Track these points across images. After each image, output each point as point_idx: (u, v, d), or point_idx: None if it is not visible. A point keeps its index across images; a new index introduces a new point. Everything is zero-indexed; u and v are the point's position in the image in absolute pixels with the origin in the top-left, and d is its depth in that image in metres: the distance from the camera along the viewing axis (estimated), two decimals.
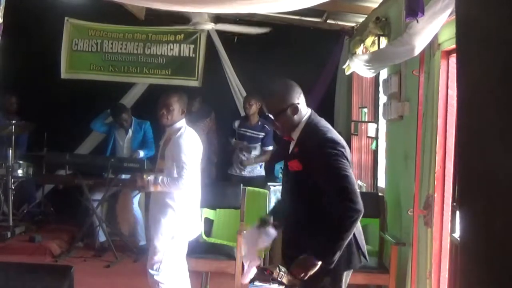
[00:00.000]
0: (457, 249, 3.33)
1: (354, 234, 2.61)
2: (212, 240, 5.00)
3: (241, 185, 4.85)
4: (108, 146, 6.32)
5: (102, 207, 6.02)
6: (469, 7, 1.27)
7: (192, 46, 7.08)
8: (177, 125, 3.85)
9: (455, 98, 3.25)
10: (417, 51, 3.61)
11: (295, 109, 2.68)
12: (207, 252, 4.36)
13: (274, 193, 5.52)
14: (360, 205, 2.48)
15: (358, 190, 2.56)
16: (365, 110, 6.22)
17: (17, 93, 6.72)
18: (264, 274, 4.03)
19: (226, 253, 4.34)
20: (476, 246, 1.22)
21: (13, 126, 6.08)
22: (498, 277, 1.12)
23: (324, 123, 2.73)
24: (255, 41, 6.90)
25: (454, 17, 2.97)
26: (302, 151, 2.65)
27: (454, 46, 3.26)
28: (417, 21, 3.32)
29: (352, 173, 2.58)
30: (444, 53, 3.64)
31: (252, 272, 3.06)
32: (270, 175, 6.24)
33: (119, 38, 7.11)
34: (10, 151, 5.96)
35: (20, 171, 6.20)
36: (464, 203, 1.33)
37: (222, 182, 6.06)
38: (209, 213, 5.18)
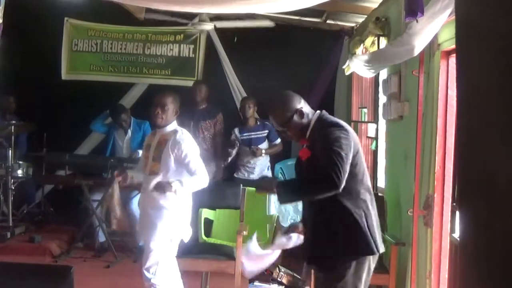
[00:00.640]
0: (457, 249, 3.33)
1: (367, 222, 2.72)
2: (212, 240, 5.00)
3: (241, 185, 4.85)
4: (108, 147, 6.32)
5: (101, 207, 6.01)
6: (469, 7, 1.27)
7: (191, 46, 7.08)
8: (171, 126, 3.84)
9: (455, 98, 3.24)
10: (416, 51, 3.61)
11: (301, 113, 2.82)
12: (207, 252, 4.36)
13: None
14: (341, 182, 2.58)
15: (347, 170, 2.63)
16: (365, 110, 6.22)
17: (17, 93, 6.72)
18: (264, 274, 4.04)
19: (226, 253, 4.34)
20: (475, 246, 1.22)
21: (13, 126, 6.08)
22: (497, 277, 1.12)
23: (332, 118, 2.89)
24: (255, 41, 6.90)
25: (453, 17, 2.98)
26: (312, 140, 2.80)
27: (454, 46, 3.26)
28: (417, 21, 3.32)
29: (348, 153, 2.64)
30: (444, 53, 3.64)
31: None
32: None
33: (119, 38, 7.12)
34: (10, 151, 5.95)
35: (19, 171, 6.19)
36: (463, 203, 1.33)
37: (222, 183, 6.05)
38: (209, 213, 5.18)
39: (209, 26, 7.00)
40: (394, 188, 4.65)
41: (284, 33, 6.88)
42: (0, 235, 5.75)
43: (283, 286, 3.96)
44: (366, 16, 5.85)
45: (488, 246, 1.16)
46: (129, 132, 6.23)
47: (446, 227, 3.62)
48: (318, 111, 2.89)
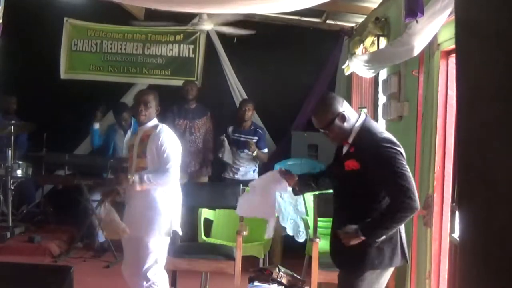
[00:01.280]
0: (457, 249, 3.33)
1: (400, 234, 2.79)
2: (211, 240, 5.00)
3: (241, 185, 4.85)
4: (109, 148, 6.32)
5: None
6: (469, 7, 1.27)
7: (191, 47, 7.09)
8: (152, 122, 3.85)
9: (455, 98, 3.25)
10: (416, 52, 3.61)
11: (343, 117, 2.85)
12: (207, 252, 4.35)
13: None
14: (417, 203, 2.67)
15: (415, 186, 2.71)
16: (365, 110, 6.22)
17: (17, 93, 6.72)
18: (263, 274, 4.04)
19: (225, 253, 4.34)
20: (475, 246, 1.22)
21: (13, 126, 6.08)
22: (497, 277, 1.12)
23: (376, 125, 2.91)
24: (254, 41, 6.90)
25: (453, 17, 2.97)
26: (358, 150, 2.79)
27: (453, 46, 3.25)
28: (417, 22, 3.32)
29: (409, 171, 2.71)
30: (444, 53, 3.64)
31: (272, 226, 3.28)
32: None
33: (119, 38, 7.12)
34: (10, 151, 5.95)
35: (19, 171, 6.19)
36: (463, 203, 1.33)
37: (222, 183, 6.06)
38: (209, 213, 5.18)
39: (209, 26, 7.00)
40: None
41: (284, 33, 6.88)
42: (0, 235, 5.75)
43: (283, 286, 3.95)
44: (365, 16, 5.86)
45: (488, 246, 1.16)
46: (129, 132, 6.24)
47: (446, 227, 3.62)
48: (363, 115, 2.91)
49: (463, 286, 1.39)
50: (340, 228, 2.86)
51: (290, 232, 5.50)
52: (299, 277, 4.13)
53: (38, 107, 6.75)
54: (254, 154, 5.96)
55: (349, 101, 6.73)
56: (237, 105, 6.91)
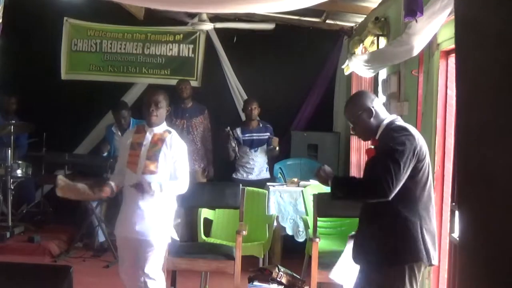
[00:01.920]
0: (456, 249, 3.33)
1: (422, 231, 2.70)
2: (211, 240, 5.00)
3: (240, 185, 4.85)
4: (110, 148, 6.31)
5: (101, 207, 6.02)
6: (468, 7, 1.27)
7: (191, 46, 7.09)
8: (164, 125, 3.80)
9: (454, 98, 3.25)
10: (416, 51, 3.62)
11: (370, 112, 2.86)
12: (206, 252, 4.35)
13: (273, 193, 5.52)
14: (391, 192, 2.61)
15: (401, 180, 2.64)
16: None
17: (16, 93, 6.72)
18: (263, 274, 4.04)
19: (225, 253, 4.33)
20: (475, 246, 1.22)
21: (13, 126, 6.08)
22: (496, 277, 1.12)
23: (405, 124, 2.85)
24: (254, 41, 6.91)
25: (453, 17, 2.97)
26: (380, 142, 2.83)
27: (453, 46, 3.26)
28: (416, 21, 3.33)
29: (407, 165, 2.64)
30: (443, 53, 3.64)
31: None
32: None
33: (118, 38, 7.12)
34: (9, 151, 5.95)
35: (19, 171, 6.19)
36: (463, 203, 1.33)
37: (221, 182, 6.05)
38: (208, 213, 5.18)
39: (208, 26, 7.00)
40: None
41: (284, 32, 6.88)
42: (0, 235, 5.75)
43: (283, 286, 3.95)
44: (365, 16, 5.86)
45: (487, 246, 1.16)
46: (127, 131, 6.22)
47: (446, 227, 3.62)
48: (394, 115, 2.92)
49: (463, 286, 1.39)
50: (364, 227, 2.89)
51: (289, 232, 5.50)
52: (298, 277, 4.13)
53: (38, 107, 6.75)
54: (277, 148, 5.97)
55: None
56: (237, 105, 6.92)
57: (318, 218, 4.53)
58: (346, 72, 5.67)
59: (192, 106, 6.23)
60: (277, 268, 4.01)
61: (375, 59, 4.48)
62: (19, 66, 6.52)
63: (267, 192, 5.39)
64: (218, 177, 6.36)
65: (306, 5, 4.60)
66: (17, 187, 6.15)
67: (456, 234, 3.41)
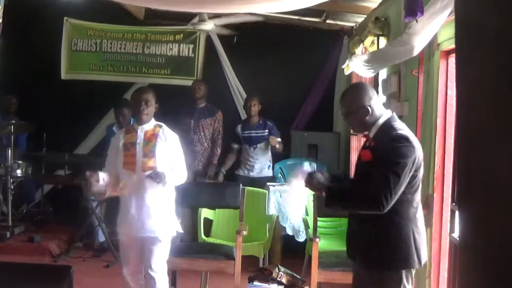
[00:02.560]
0: (457, 249, 3.33)
1: (413, 235, 2.71)
2: (211, 240, 5.00)
3: (241, 185, 4.85)
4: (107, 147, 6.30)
5: (101, 207, 6.02)
6: (469, 7, 1.27)
7: (191, 46, 7.09)
8: (153, 121, 3.81)
9: (455, 98, 3.25)
10: (416, 51, 3.61)
11: (367, 111, 2.78)
12: (206, 252, 4.35)
13: (274, 193, 5.52)
14: (386, 208, 2.58)
15: (398, 194, 2.62)
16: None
17: (16, 93, 6.71)
18: (263, 273, 4.04)
19: (225, 253, 4.34)
20: (475, 246, 1.22)
21: (13, 126, 6.08)
22: (497, 277, 1.12)
23: (400, 124, 2.83)
24: (254, 41, 6.91)
25: (453, 17, 2.97)
26: (376, 144, 2.75)
27: (453, 46, 3.25)
28: (416, 21, 3.32)
29: (406, 178, 2.62)
30: (444, 53, 3.64)
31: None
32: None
33: (119, 38, 7.12)
34: (10, 151, 5.95)
35: (19, 171, 6.19)
36: (463, 203, 1.33)
37: (221, 182, 6.05)
38: (209, 213, 5.18)
39: (208, 26, 7.00)
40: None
41: (284, 32, 6.88)
42: (0, 235, 5.75)
43: (283, 286, 3.95)
44: (365, 16, 5.86)
45: (487, 246, 1.16)
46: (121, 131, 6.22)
47: (446, 227, 3.62)
48: (389, 112, 2.85)
49: (463, 286, 1.39)
50: (356, 227, 2.85)
51: (290, 231, 5.50)
52: (299, 276, 4.13)
53: (38, 107, 6.75)
54: (278, 146, 5.95)
55: None
56: (237, 105, 6.92)
57: (318, 218, 4.53)
58: (346, 72, 5.67)
59: (204, 107, 6.19)
60: (277, 268, 4.01)
61: (375, 59, 4.48)
62: (19, 66, 6.52)
63: (267, 192, 5.39)
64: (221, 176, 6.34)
65: (306, 5, 4.60)
66: (17, 187, 6.15)
67: (456, 234, 3.41)
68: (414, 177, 2.70)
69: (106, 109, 6.83)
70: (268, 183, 5.77)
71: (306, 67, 6.90)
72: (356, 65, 4.93)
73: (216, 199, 4.83)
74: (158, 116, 3.92)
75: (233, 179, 6.09)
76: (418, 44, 3.54)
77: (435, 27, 3.35)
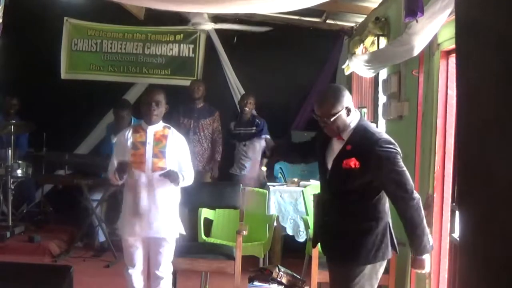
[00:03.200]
0: (457, 249, 3.33)
1: (389, 226, 2.89)
2: (211, 240, 5.00)
3: (241, 185, 4.85)
4: (109, 147, 6.29)
5: (101, 207, 6.02)
6: (469, 7, 1.27)
7: (191, 46, 7.09)
8: (162, 122, 3.82)
9: (455, 98, 3.25)
10: (416, 51, 3.61)
11: (349, 111, 2.83)
12: (207, 252, 4.35)
13: (274, 193, 5.52)
14: (416, 193, 2.77)
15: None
16: (365, 110, 6.22)
17: (17, 93, 6.71)
18: (263, 273, 4.04)
19: (225, 253, 4.33)
20: (475, 246, 1.22)
21: (13, 126, 6.08)
22: (497, 277, 1.12)
23: (371, 125, 2.94)
24: (254, 41, 6.91)
25: (453, 17, 2.97)
26: (357, 149, 2.80)
27: (453, 46, 3.25)
28: (417, 21, 3.32)
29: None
30: (444, 53, 3.64)
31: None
32: (269, 176, 6.24)
33: (119, 38, 7.12)
34: (10, 151, 5.95)
35: (19, 171, 6.19)
36: (463, 203, 1.33)
37: (221, 182, 6.06)
38: (209, 213, 5.18)
39: (209, 26, 7.00)
40: None
41: (284, 32, 6.88)
42: (0, 235, 5.75)
43: (283, 286, 3.95)
44: (365, 16, 5.86)
45: (488, 246, 1.16)
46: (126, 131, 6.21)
47: (446, 227, 3.62)
48: (358, 113, 2.89)
49: (463, 286, 1.39)
50: (330, 219, 2.93)
51: (290, 231, 5.51)
52: (299, 276, 4.13)
53: (38, 106, 6.75)
54: (264, 169, 5.98)
55: None
56: (237, 105, 6.92)
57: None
58: (347, 72, 5.67)
59: (203, 107, 6.22)
60: (277, 268, 4.01)
61: (375, 59, 4.48)
62: (19, 66, 6.52)
63: (267, 192, 5.39)
64: (220, 174, 6.35)
65: (306, 5, 4.60)
66: (17, 187, 6.15)
67: (456, 234, 3.41)
68: None
69: (106, 109, 6.83)
70: (268, 183, 5.78)
71: (306, 67, 6.90)
72: (356, 65, 4.94)
73: (216, 199, 4.83)
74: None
75: (228, 178, 6.13)
76: (418, 44, 3.54)
77: (435, 27, 3.35)
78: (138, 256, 3.80)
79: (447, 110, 3.65)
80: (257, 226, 5.17)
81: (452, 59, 3.60)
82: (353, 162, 2.77)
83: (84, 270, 5.03)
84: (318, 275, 4.05)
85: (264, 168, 6.03)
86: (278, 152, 3.40)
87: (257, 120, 6.10)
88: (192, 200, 4.68)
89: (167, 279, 3.81)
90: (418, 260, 2.80)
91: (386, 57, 4.20)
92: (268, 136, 6.11)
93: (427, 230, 2.79)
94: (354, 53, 5.36)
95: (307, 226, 4.88)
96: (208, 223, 5.19)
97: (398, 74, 4.46)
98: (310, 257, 4.26)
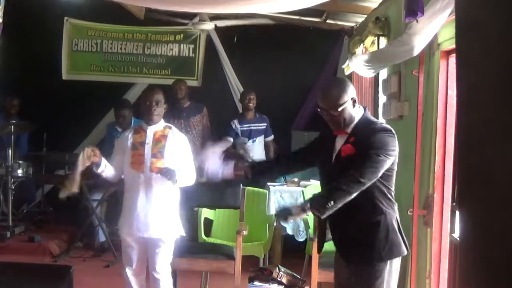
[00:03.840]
0: (457, 249, 3.33)
1: (398, 223, 2.82)
2: (211, 240, 5.00)
3: (241, 185, 4.85)
4: (111, 147, 6.28)
5: (101, 207, 6.02)
6: (469, 7, 1.27)
7: (191, 46, 7.10)
8: (162, 122, 3.82)
9: (455, 98, 3.25)
10: (416, 51, 3.61)
11: (354, 102, 2.81)
12: (207, 252, 4.35)
13: (274, 193, 5.52)
14: (368, 181, 2.64)
15: (380, 173, 2.69)
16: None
17: (17, 93, 6.71)
18: (263, 273, 4.04)
19: (225, 253, 4.34)
20: (475, 246, 1.22)
21: (13, 126, 6.08)
22: (497, 277, 1.12)
23: (375, 119, 2.91)
24: (254, 41, 6.91)
25: (453, 17, 2.97)
26: (357, 138, 2.76)
27: (453, 46, 3.25)
28: (417, 21, 3.32)
29: (388, 160, 2.70)
30: (444, 53, 3.64)
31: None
32: None
33: (119, 38, 7.13)
34: (10, 151, 5.95)
35: (19, 171, 6.19)
36: (463, 203, 1.33)
37: (221, 182, 6.04)
38: (209, 213, 5.18)
39: (209, 26, 7.00)
40: (394, 187, 4.64)
41: (284, 32, 6.89)
42: (0, 235, 5.75)
43: (283, 286, 3.95)
44: (366, 16, 5.85)
45: (488, 246, 1.16)
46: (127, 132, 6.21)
47: (446, 227, 3.62)
48: (362, 108, 2.87)
49: (463, 286, 1.39)
50: (337, 219, 2.84)
51: (290, 231, 5.50)
52: (299, 276, 4.13)
53: (38, 107, 6.76)
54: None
55: None
56: (237, 105, 6.92)
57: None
58: (347, 72, 5.66)
59: (189, 105, 6.24)
60: (277, 268, 4.01)
61: (375, 59, 4.47)
62: (19, 66, 6.52)
63: (267, 192, 5.39)
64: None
65: (306, 5, 4.60)
66: (17, 187, 6.15)
67: (456, 234, 3.41)
68: (393, 169, 2.81)
69: (106, 109, 6.83)
70: (268, 183, 5.77)
71: (306, 67, 6.90)
72: (356, 65, 4.93)
73: (216, 199, 4.83)
74: None
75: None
76: (419, 44, 3.54)
77: (436, 27, 3.35)
78: (136, 256, 3.80)
79: (447, 110, 3.65)
80: (257, 226, 5.17)
81: (452, 59, 3.60)
82: (349, 147, 2.74)
83: (84, 270, 5.03)
84: (318, 275, 4.05)
85: None
86: (258, 171, 3.26)
87: (265, 117, 6.17)
88: (192, 200, 4.69)
89: (166, 281, 3.77)
90: (305, 208, 2.69)
91: (386, 57, 4.20)
92: (271, 138, 6.14)
93: (336, 204, 2.63)
94: (354, 53, 5.36)
95: (307, 226, 4.89)
96: (208, 223, 5.19)
97: (398, 74, 4.46)
98: (310, 257, 4.26)
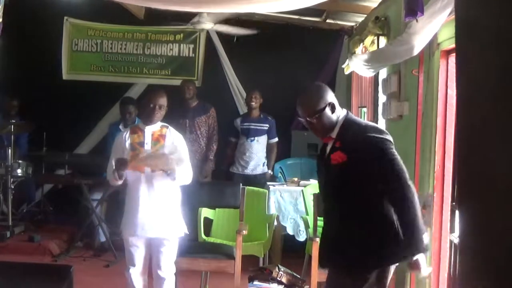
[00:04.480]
0: (457, 249, 3.33)
1: (400, 228, 2.67)
2: (211, 239, 5.00)
3: (241, 184, 4.85)
4: (111, 146, 6.28)
5: (101, 206, 6.02)
6: (469, 6, 1.27)
7: (191, 46, 7.09)
8: (160, 122, 3.82)
9: (455, 98, 3.25)
10: (416, 51, 3.61)
11: (333, 106, 2.76)
12: (206, 251, 4.35)
13: (274, 192, 5.52)
14: (408, 179, 2.64)
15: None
16: (365, 109, 6.22)
17: (17, 93, 6.71)
18: (263, 273, 4.04)
19: (225, 252, 4.34)
20: (475, 245, 1.22)
21: (13, 126, 6.08)
22: (497, 277, 1.12)
23: (358, 118, 2.87)
24: (254, 41, 6.90)
25: (453, 16, 2.97)
26: (344, 142, 2.71)
27: (453, 45, 3.25)
28: (417, 21, 3.32)
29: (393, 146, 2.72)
30: (444, 53, 3.64)
31: None
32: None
33: (119, 38, 7.12)
34: (10, 150, 5.95)
35: (19, 171, 6.19)
36: (463, 203, 1.33)
37: (221, 182, 6.05)
38: (208, 212, 5.18)
39: (209, 26, 7.00)
40: None
41: (284, 32, 6.88)
42: (0, 234, 5.75)
43: (283, 285, 3.95)
44: (365, 15, 5.86)
45: (487, 246, 1.16)
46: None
47: (446, 227, 3.62)
48: (344, 110, 2.82)
49: (463, 286, 1.39)
50: (334, 229, 2.78)
51: (290, 231, 5.51)
52: (299, 276, 4.13)
53: (38, 106, 6.76)
54: (270, 172, 6.06)
55: (349, 101, 6.75)
56: (237, 104, 6.94)
57: (318, 218, 4.53)
58: (346, 72, 5.67)
59: (196, 105, 6.22)
60: (277, 268, 4.01)
61: (375, 59, 4.48)
62: (19, 66, 6.52)
63: (267, 191, 5.39)
64: (218, 172, 6.35)
65: (306, 5, 4.60)
66: (17, 187, 6.15)
67: (456, 234, 3.41)
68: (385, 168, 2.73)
69: (106, 109, 6.83)
70: (268, 183, 5.77)
71: (306, 67, 6.90)
72: (356, 65, 4.93)
73: (216, 199, 4.83)
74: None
75: (228, 177, 6.11)
76: (418, 43, 3.54)
77: (435, 27, 3.35)
78: (139, 256, 3.79)
79: (447, 110, 3.65)
80: (257, 226, 5.17)
81: (452, 59, 3.60)
82: (340, 156, 2.67)
83: (84, 270, 5.03)
84: (318, 274, 4.05)
85: (270, 172, 6.07)
86: None
87: (269, 118, 6.14)
88: (192, 200, 4.69)
89: (170, 280, 3.79)
90: (414, 261, 2.64)
91: (386, 57, 4.20)
92: (276, 140, 6.14)
93: (423, 226, 2.62)
94: (354, 53, 5.37)
95: (307, 226, 4.89)
96: (208, 222, 5.19)
97: (398, 74, 4.46)
98: (310, 257, 4.26)
